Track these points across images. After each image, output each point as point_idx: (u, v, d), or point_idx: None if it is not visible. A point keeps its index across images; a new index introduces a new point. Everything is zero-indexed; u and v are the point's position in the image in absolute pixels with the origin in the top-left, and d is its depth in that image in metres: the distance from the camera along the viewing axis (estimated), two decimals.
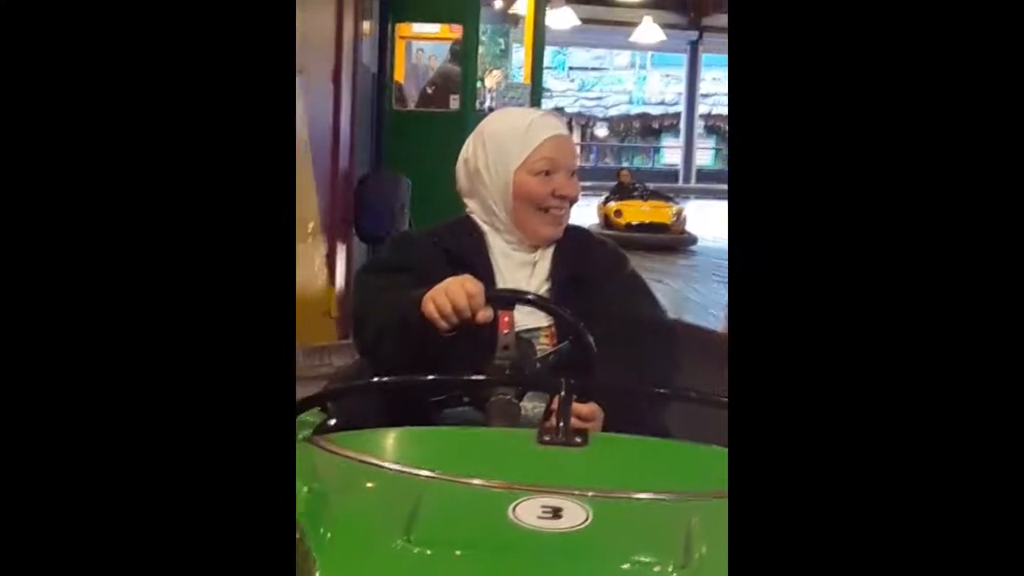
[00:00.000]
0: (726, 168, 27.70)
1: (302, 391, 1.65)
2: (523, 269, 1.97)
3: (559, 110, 26.24)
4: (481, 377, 1.72)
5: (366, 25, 6.66)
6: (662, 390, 1.82)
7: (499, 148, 1.97)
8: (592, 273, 1.96)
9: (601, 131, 28.12)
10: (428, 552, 1.23)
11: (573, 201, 1.99)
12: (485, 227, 1.99)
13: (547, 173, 1.95)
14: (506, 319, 1.75)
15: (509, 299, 1.80)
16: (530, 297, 1.86)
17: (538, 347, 1.84)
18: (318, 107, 5.00)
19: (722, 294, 8.98)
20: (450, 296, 1.70)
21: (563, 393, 1.51)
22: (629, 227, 12.86)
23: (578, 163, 2.04)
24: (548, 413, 1.56)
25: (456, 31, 7.28)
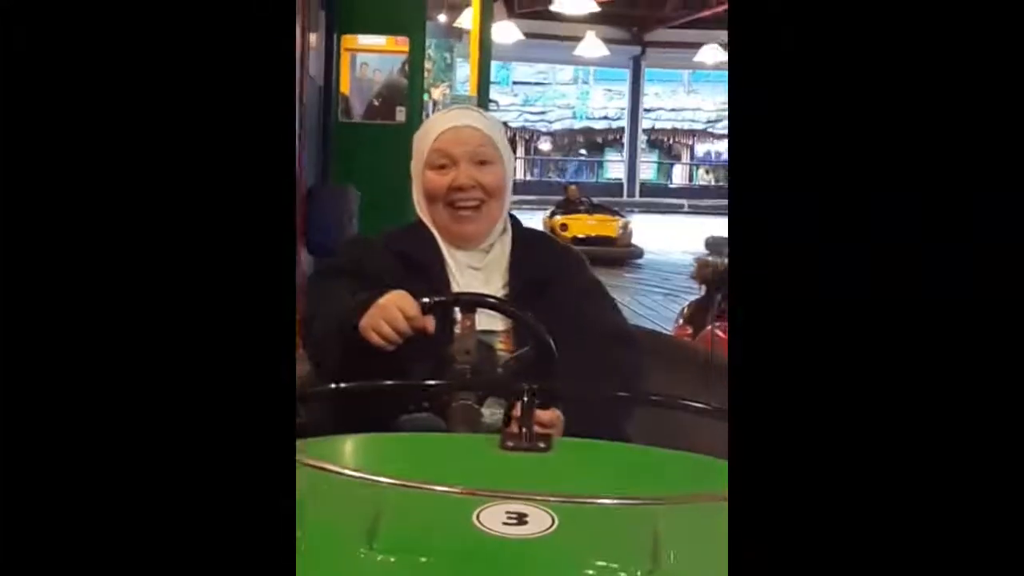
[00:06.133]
0: (668, 183, 27.93)
1: None
2: (473, 271, 1.94)
3: (504, 124, 26.32)
4: (442, 382, 1.70)
5: (312, 37, 6.63)
6: (625, 394, 1.81)
7: (414, 149, 1.97)
8: (552, 277, 1.94)
9: (545, 145, 28.23)
10: (392, 559, 1.21)
11: (487, 191, 1.92)
12: (434, 230, 1.96)
13: (443, 167, 1.92)
14: (467, 323, 1.73)
15: (471, 303, 1.78)
16: (492, 301, 1.83)
17: (497, 352, 1.83)
18: None
19: (668, 306, 9.05)
20: (387, 320, 1.69)
21: (526, 398, 1.50)
22: (575, 240, 12.90)
23: (494, 153, 1.93)
24: (509, 419, 1.55)
25: (402, 43, 7.27)
